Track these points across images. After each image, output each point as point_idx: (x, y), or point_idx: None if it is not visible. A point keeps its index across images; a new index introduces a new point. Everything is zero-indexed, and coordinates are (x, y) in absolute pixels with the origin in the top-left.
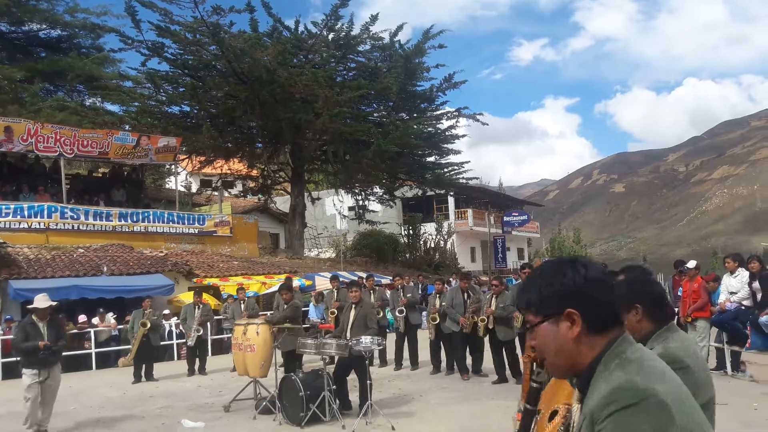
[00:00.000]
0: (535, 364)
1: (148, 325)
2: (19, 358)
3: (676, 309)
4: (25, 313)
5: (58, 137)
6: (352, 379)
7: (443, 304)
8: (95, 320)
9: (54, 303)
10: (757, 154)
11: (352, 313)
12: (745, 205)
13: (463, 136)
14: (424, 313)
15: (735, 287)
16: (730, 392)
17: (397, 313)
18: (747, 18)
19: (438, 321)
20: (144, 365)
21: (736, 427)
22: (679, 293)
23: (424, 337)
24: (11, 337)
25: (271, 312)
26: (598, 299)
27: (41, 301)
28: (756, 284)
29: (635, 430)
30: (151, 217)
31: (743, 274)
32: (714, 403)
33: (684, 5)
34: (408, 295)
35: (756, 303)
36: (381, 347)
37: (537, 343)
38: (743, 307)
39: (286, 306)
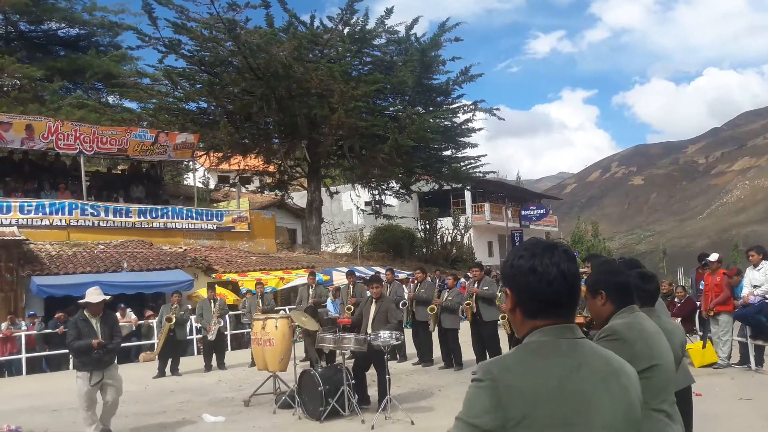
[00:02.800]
0: None
1: (174, 320)
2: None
3: (698, 303)
4: (49, 309)
5: (78, 135)
6: (371, 374)
7: (449, 298)
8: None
9: (107, 297)
10: None
11: (373, 307)
12: (767, 197)
13: (480, 129)
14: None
15: (758, 280)
16: (754, 387)
17: (400, 306)
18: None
19: (434, 312)
20: (170, 360)
21: (761, 422)
22: (701, 287)
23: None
24: (35, 332)
25: (292, 306)
26: (525, 289)
27: (94, 295)
28: None
29: (469, 398)
30: (170, 213)
31: (767, 267)
32: (659, 370)
33: None
34: (422, 291)
35: None
36: (399, 342)
37: None
38: (767, 301)
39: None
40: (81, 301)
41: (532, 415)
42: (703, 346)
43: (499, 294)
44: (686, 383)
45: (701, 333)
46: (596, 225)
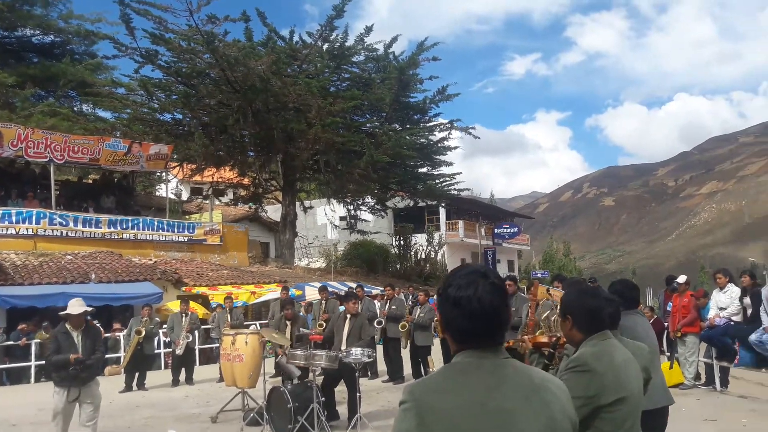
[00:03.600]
0: None
1: (143, 333)
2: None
3: (666, 324)
4: (12, 320)
5: (49, 143)
6: (341, 390)
7: (421, 315)
8: None
9: (90, 308)
10: (745, 170)
11: (347, 324)
12: (732, 220)
13: (456, 147)
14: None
15: (725, 303)
16: (719, 408)
17: (375, 324)
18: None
19: (405, 329)
20: (137, 374)
21: None
22: (668, 308)
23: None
24: None
25: (266, 321)
26: (444, 312)
27: (75, 307)
28: (747, 300)
29: (397, 420)
30: (140, 224)
31: (733, 290)
32: (627, 402)
33: (674, 23)
34: (393, 308)
35: (746, 318)
36: (371, 359)
37: None
38: (732, 323)
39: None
40: (62, 312)
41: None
42: (670, 367)
43: None
44: (664, 403)
45: (668, 353)
46: (568, 244)
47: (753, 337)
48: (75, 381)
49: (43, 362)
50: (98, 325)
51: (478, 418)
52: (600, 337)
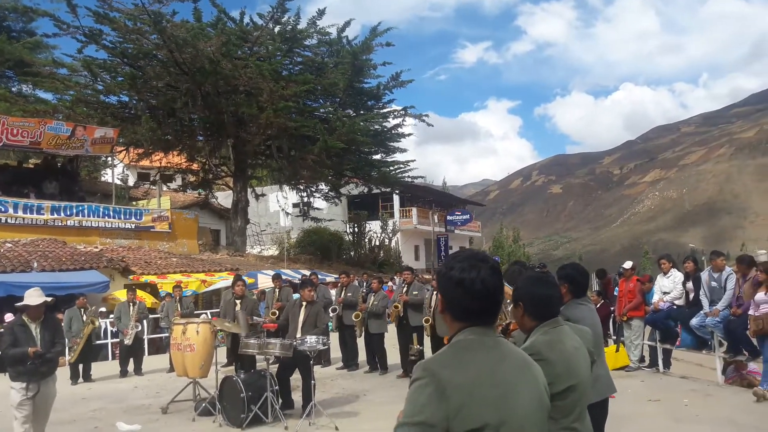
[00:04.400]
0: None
1: (97, 324)
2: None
3: (612, 308)
4: None
5: None
6: (295, 378)
7: (375, 302)
8: None
9: (49, 299)
10: (686, 158)
11: (303, 311)
12: (674, 207)
13: (409, 134)
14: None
15: (668, 287)
16: (661, 389)
17: (330, 312)
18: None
19: (359, 318)
20: (81, 365)
21: (668, 423)
22: (615, 293)
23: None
24: None
25: (214, 311)
26: (453, 298)
27: (33, 297)
28: (690, 284)
29: (413, 397)
30: (85, 210)
31: (676, 275)
32: (576, 389)
33: (619, 14)
34: (348, 295)
35: (688, 302)
36: (326, 347)
37: None
38: (675, 307)
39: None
40: (18, 304)
41: (468, 405)
42: (617, 350)
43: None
44: (607, 393)
45: (615, 337)
46: (517, 231)
47: (694, 321)
48: (34, 376)
49: None
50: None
51: (488, 389)
52: (551, 325)
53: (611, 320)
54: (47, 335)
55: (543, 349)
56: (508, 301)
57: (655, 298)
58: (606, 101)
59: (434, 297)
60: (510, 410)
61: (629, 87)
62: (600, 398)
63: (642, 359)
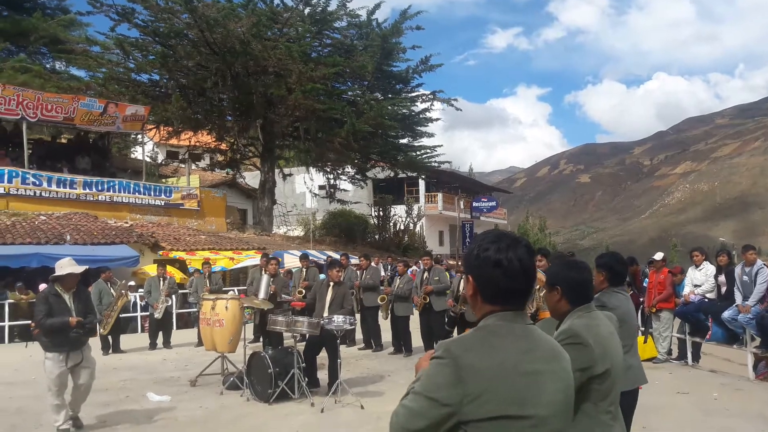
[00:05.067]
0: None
1: (129, 297)
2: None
3: (641, 299)
4: None
5: (21, 100)
6: (320, 357)
7: (400, 285)
8: None
9: (83, 269)
10: (718, 151)
11: (330, 291)
12: (705, 200)
13: (437, 119)
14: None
15: (699, 280)
16: (691, 382)
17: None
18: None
19: (385, 301)
20: (111, 337)
21: (697, 415)
22: (644, 284)
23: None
24: None
25: (241, 288)
26: (489, 280)
27: (67, 267)
28: (722, 278)
29: (432, 373)
30: (116, 186)
31: (708, 268)
32: (611, 374)
33: (653, 2)
34: (367, 277)
35: (720, 296)
36: (353, 327)
37: None
38: (706, 300)
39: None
40: (56, 274)
41: (488, 392)
42: (644, 341)
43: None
44: (638, 383)
45: (643, 328)
46: (543, 219)
47: (726, 314)
48: (75, 344)
49: (18, 323)
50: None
51: (511, 378)
52: (585, 309)
53: (640, 311)
54: (80, 306)
55: (582, 332)
56: (538, 287)
57: (686, 290)
58: (638, 90)
59: (461, 283)
60: (533, 402)
61: (662, 76)
62: (631, 387)
63: (669, 352)
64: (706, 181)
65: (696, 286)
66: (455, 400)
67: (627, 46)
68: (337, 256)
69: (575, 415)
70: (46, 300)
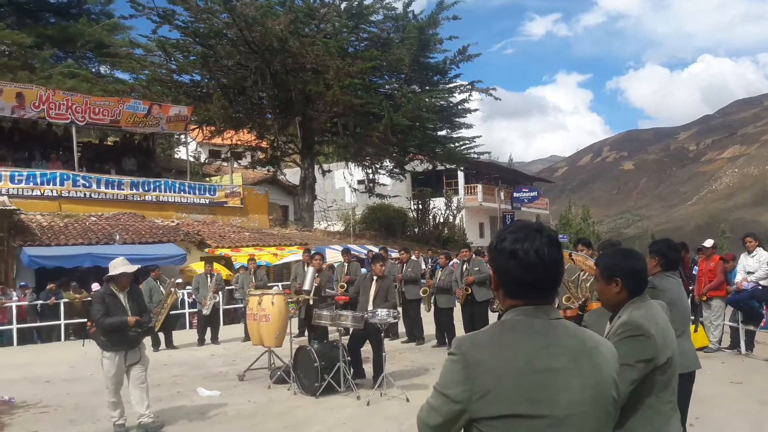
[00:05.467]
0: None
1: (178, 294)
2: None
3: (690, 287)
4: (40, 280)
5: (70, 104)
6: (365, 350)
7: (442, 278)
8: None
9: (135, 268)
10: None
11: (374, 285)
12: (754, 185)
13: (475, 110)
14: None
15: (752, 267)
16: (745, 371)
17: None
18: None
19: (427, 294)
20: (163, 334)
21: (753, 405)
22: (694, 272)
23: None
24: (26, 303)
25: (285, 283)
26: (505, 271)
27: (120, 266)
28: None
29: (445, 370)
30: (162, 186)
31: (762, 254)
32: (673, 362)
33: None
34: (408, 270)
35: None
36: (397, 320)
37: None
38: (760, 287)
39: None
40: (111, 274)
41: (497, 389)
42: (695, 330)
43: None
44: (695, 367)
45: (693, 317)
46: (586, 209)
47: None
48: (133, 343)
49: (73, 321)
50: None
51: (522, 376)
52: (641, 299)
53: (690, 300)
54: (134, 305)
55: (643, 323)
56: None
57: (739, 277)
58: (682, 74)
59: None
60: (548, 401)
61: (708, 59)
62: (686, 371)
63: (720, 341)
64: (755, 165)
65: (749, 273)
66: (464, 397)
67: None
68: (377, 250)
69: (636, 406)
70: (102, 300)
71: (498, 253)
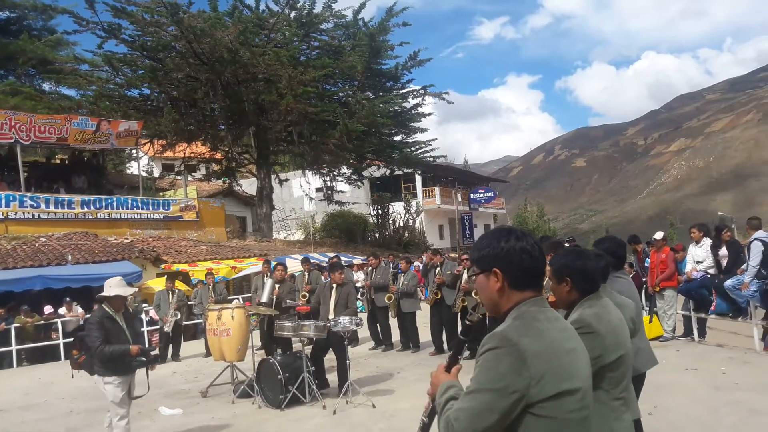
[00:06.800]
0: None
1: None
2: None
3: (644, 279)
4: None
5: (13, 123)
6: (329, 359)
7: (405, 282)
8: (62, 310)
9: (133, 290)
10: (711, 126)
11: (334, 293)
12: (701, 176)
13: (430, 114)
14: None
15: (701, 256)
16: (698, 358)
17: (359, 295)
18: None
19: (392, 300)
20: None
21: (707, 391)
22: (646, 264)
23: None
24: None
25: (245, 296)
26: (519, 266)
27: (116, 287)
28: (723, 251)
29: (491, 365)
30: (114, 203)
31: (708, 244)
32: (625, 360)
33: None
34: (378, 277)
35: (720, 270)
36: (359, 327)
37: (477, 288)
38: (709, 275)
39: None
40: (107, 294)
41: (548, 371)
42: (650, 321)
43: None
44: (647, 366)
45: (647, 308)
46: (541, 206)
47: (728, 282)
48: (132, 370)
49: (25, 346)
50: (77, 305)
51: (561, 356)
52: (595, 298)
53: (643, 291)
54: (130, 328)
55: (593, 321)
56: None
57: (688, 267)
58: (628, 71)
59: (463, 276)
60: (579, 376)
61: (651, 55)
62: (642, 371)
63: (674, 329)
64: (701, 157)
65: (698, 262)
66: (523, 384)
67: (614, 28)
68: (330, 258)
69: None
70: (101, 325)
71: (507, 251)
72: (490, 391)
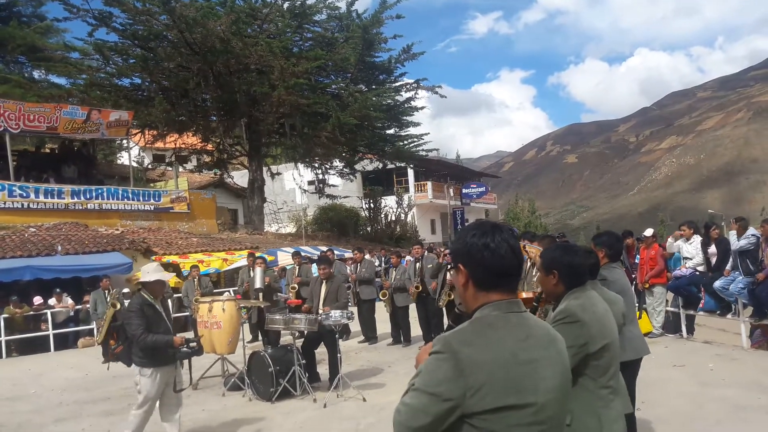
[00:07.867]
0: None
1: (118, 306)
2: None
3: (633, 276)
4: None
5: (2, 111)
6: (320, 352)
7: (397, 277)
8: (51, 301)
9: (171, 276)
10: (703, 124)
11: (323, 287)
12: (691, 173)
13: (422, 108)
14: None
15: (690, 253)
16: (686, 354)
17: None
18: None
19: (386, 296)
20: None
21: (694, 387)
22: (636, 260)
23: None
24: None
25: (235, 289)
26: (480, 263)
27: (154, 273)
28: (712, 248)
29: (431, 368)
30: (105, 193)
31: (698, 241)
32: (610, 349)
33: None
34: (363, 270)
35: (709, 268)
36: (351, 320)
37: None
38: (698, 273)
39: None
40: (142, 280)
41: (489, 383)
42: (639, 317)
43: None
44: (641, 353)
45: (637, 304)
46: (533, 202)
47: (717, 283)
48: (173, 361)
49: (14, 337)
50: (67, 296)
51: (510, 368)
52: (581, 290)
53: (633, 287)
54: (167, 314)
55: (577, 311)
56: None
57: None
58: (620, 68)
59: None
60: (532, 390)
61: (644, 52)
62: (635, 357)
63: (663, 326)
64: (691, 155)
65: (687, 259)
66: (457, 393)
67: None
68: (321, 251)
69: (574, 388)
70: (141, 312)
71: (469, 247)
72: (426, 393)
